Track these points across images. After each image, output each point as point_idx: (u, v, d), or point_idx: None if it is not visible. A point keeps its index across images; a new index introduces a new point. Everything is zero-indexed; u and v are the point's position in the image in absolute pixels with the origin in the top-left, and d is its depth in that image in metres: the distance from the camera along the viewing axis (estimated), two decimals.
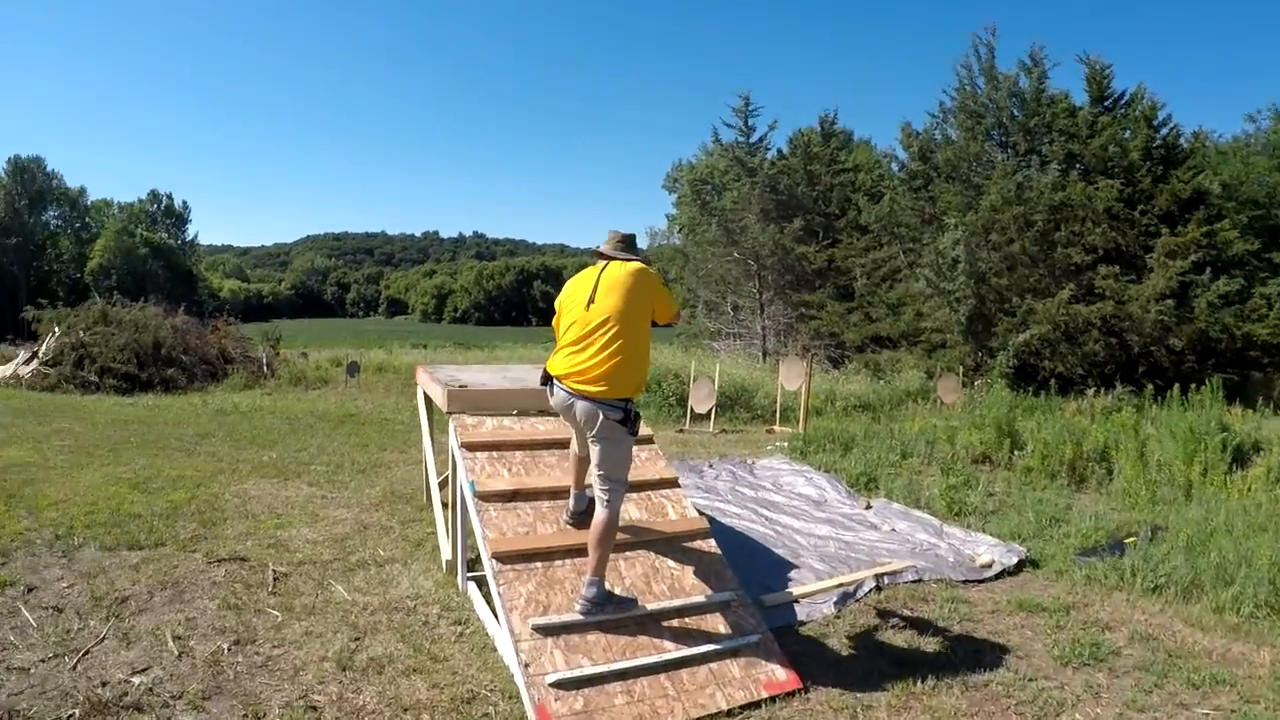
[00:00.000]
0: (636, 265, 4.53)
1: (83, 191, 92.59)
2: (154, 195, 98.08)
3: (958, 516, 7.69)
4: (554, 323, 4.70)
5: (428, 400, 6.91)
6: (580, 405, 4.37)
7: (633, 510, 5.10)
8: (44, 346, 18.06)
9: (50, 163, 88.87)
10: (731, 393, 15.18)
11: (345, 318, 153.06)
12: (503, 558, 4.51)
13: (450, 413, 5.74)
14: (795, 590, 5.59)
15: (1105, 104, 23.67)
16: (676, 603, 4.51)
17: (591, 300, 4.42)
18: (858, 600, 5.57)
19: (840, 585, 5.68)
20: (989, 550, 6.49)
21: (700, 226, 30.84)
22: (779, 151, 30.68)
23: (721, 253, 28.82)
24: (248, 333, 24.68)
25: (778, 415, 13.90)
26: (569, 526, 4.90)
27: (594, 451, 4.42)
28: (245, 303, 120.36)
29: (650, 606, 4.43)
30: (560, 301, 4.66)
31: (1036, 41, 22.84)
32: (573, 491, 5.00)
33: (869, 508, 7.97)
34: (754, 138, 29.37)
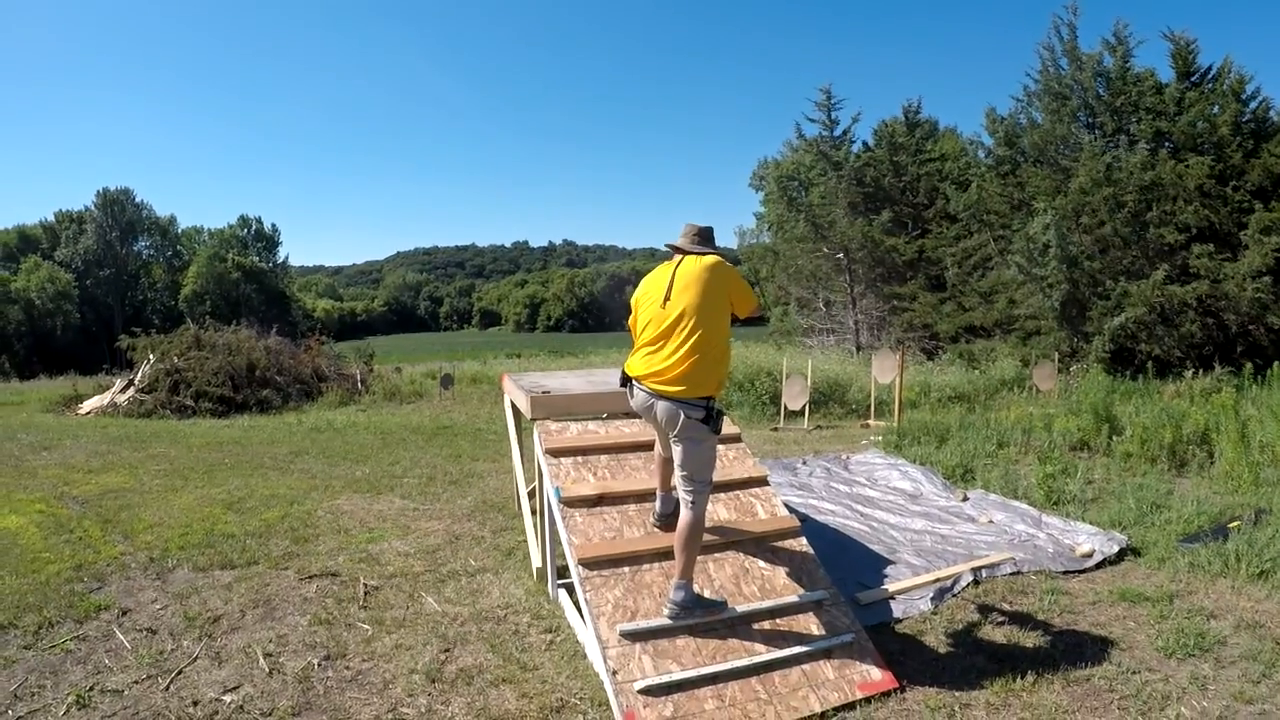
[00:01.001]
0: (712, 259, 4.45)
1: (173, 220, 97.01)
2: (243, 220, 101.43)
3: (1056, 506, 7.52)
4: (629, 322, 4.67)
5: (515, 408, 6.96)
6: (660, 406, 4.32)
7: (721, 510, 5.06)
8: (139, 374, 18.79)
9: (139, 193, 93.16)
10: (825, 389, 15.10)
11: (439, 331, 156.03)
12: (589, 563, 4.51)
13: (534, 419, 5.77)
14: (891, 587, 5.49)
15: (1191, 80, 22.74)
16: (767, 604, 4.45)
17: (667, 297, 4.36)
18: (955, 595, 5.45)
19: (937, 580, 5.57)
20: (1089, 539, 6.33)
21: (788, 223, 30.75)
22: (864, 144, 30.40)
23: (811, 248, 28.64)
24: (341, 351, 25.39)
25: (872, 409, 13.76)
26: (656, 530, 4.87)
27: (677, 452, 4.38)
28: (339, 321, 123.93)
29: (740, 608, 4.38)
30: (636, 299, 4.63)
31: (1119, 19, 22.24)
32: (659, 494, 4.96)
33: (965, 500, 7.82)
34: (838, 131, 29.25)
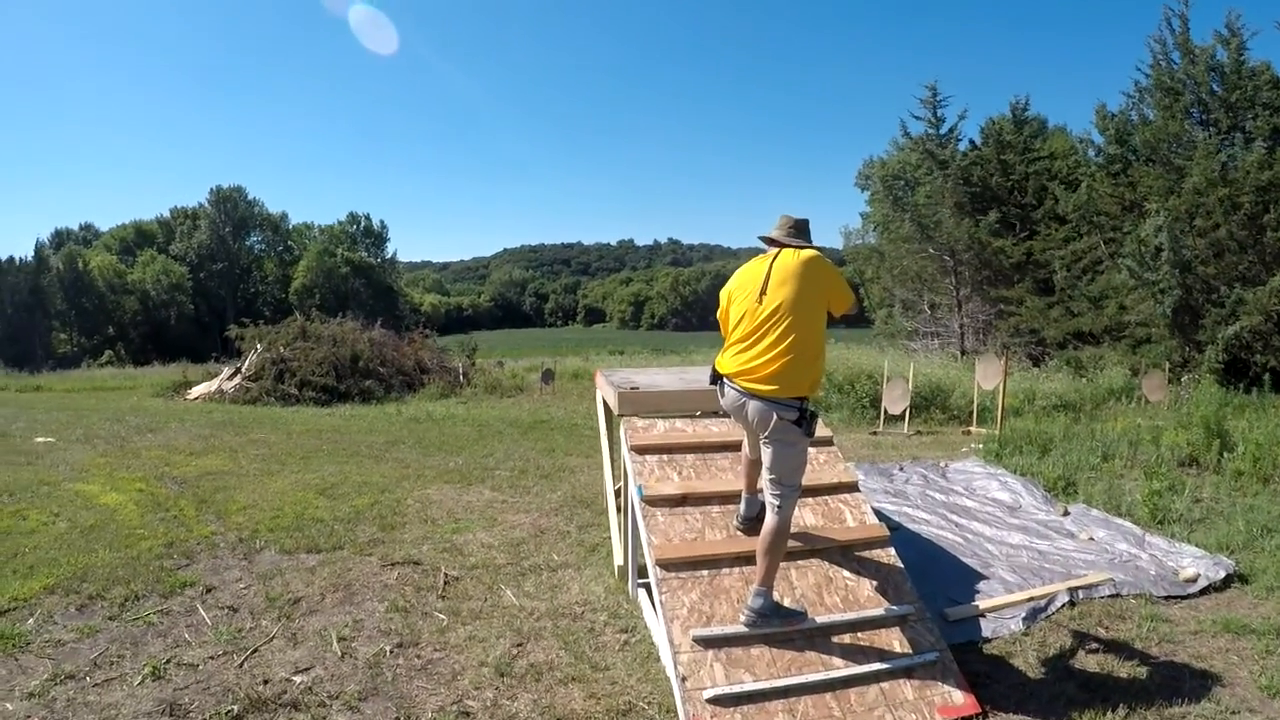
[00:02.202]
0: (810, 253, 4.30)
1: (284, 216, 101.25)
2: (353, 217, 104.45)
3: (1161, 525, 7.14)
4: (719, 314, 4.56)
5: (606, 404, 6.95)
6: (752, 405, 4.20)
7: (808, 516, 4.92)
8: (246, 363, 19.44)
9: (250, 191, 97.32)
10: (927, 393, 14.76)
11: (544, 327, 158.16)
12: (667, 565, 4.43)
13: (621, 415, 5.73)
14: (982, 604, 5.28)
15: None
16: (849, 616, 4.29)
17: (763, 292, 4.23)
18: (1049, 616, 5.20)
19: (1031, 599, 5.34)
20: (1194, 563, 6.00)
21: (894, 223, 30.28)
22: (971, 142, 29.67)
23: (916, 249, 28.16)
24: (446, 344, 25.85)
25: (974, 416, 13.38)
26: (739, 533, 4.76)
27: (766, 454, 4.24)
28: (445, 316, 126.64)
29: (820, 620, 4.23)
30: (729, 292, 4.49)
31: (1231, 10, 21.14)
32: (744, 496, 4.84)
33: (1066, 514, 7.52)
34: (944, 129, 28.62)
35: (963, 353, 25.73)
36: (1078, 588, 5.52)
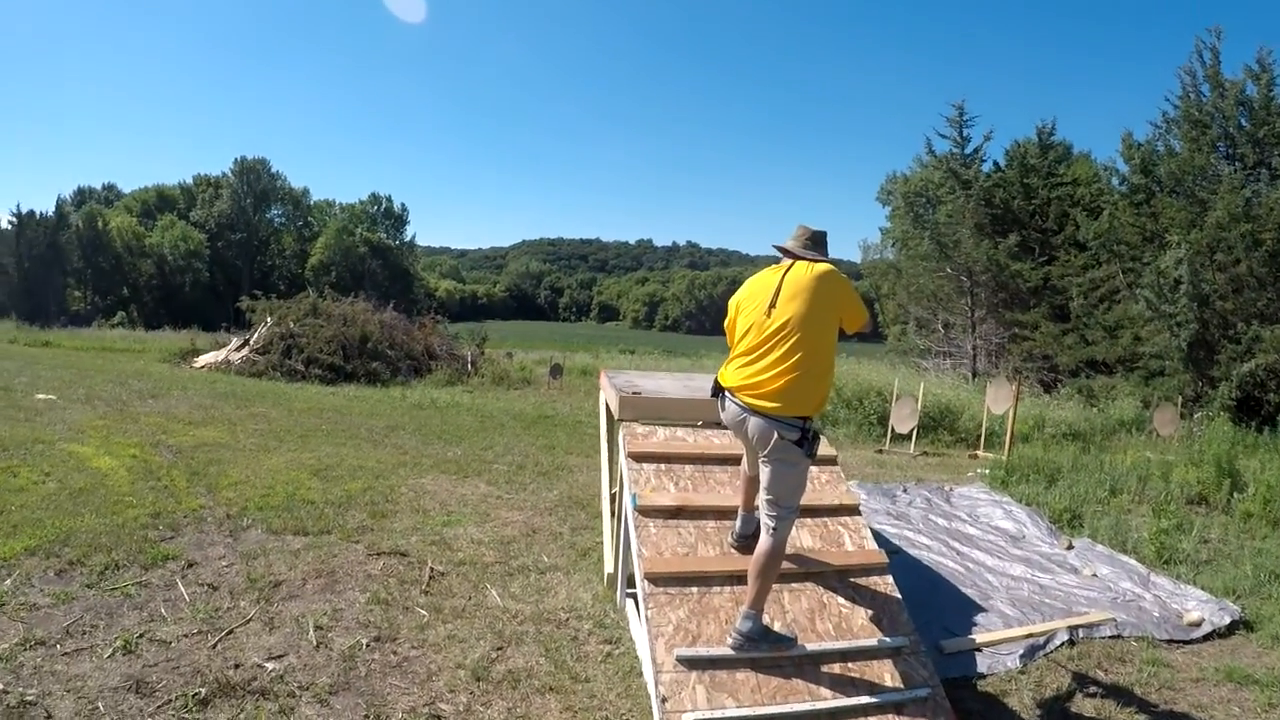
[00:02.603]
0: (824, 267, 4.18)
1: (305, 192, 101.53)
2: (374, 197, 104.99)
3: (1167, 565, 7.03)
4: (726, 324, 4.45)
5: (608, 406, 6.85)
6: (753, 422, 4.07)
7: (805, 537, 4.79)
8: (255, 335, 19.38)
9: (274, 164, 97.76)
10: (936, 413, 14.65)
11: (557, 321, 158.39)
12: (656, 579, 4.30)
13: (621, 420, 5.61)
14: (979, 637, 5.19)
15: None
16: (841, 645, 4.16)
17: (772, 304, 4.10)
18: (1047, 654, 5.12)
19: (1030, 635, 5.25)
20: (1199, 606, 5.91)
21: (913, 240, 30.40)
22: (995, 163, 29.75)
23: (934, 268, 28.23)
24: (456, 331, 25.79)
25: (982, 440, 13.27)
26: (733, 550, 4.64)
27: (764, 473, 4.12)
28: (460, 303, 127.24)
29: (811, 647, 4.10)
30: (737, 302, 4.38)
31: (1263, 46, 21.14)
32: (740, 513, 4.72)
33: (1070, 548, 7.43)
34: (969, 149, 28.76)
35: (974, 374, 25.65)
36: (1078, 626, 5.43)
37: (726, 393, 4.23)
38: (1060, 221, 26.97)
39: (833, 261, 4.30)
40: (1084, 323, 23.94)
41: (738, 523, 4.71)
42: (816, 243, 4.36)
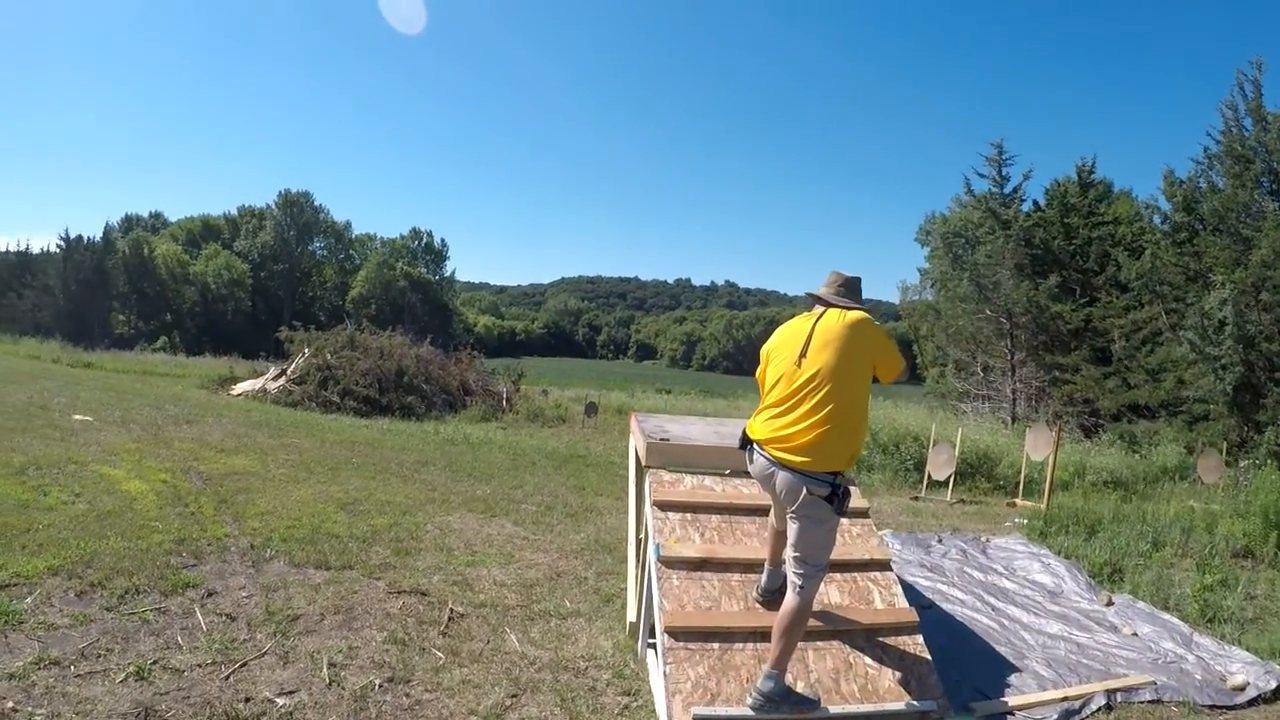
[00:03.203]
0: (857, 315, 4.13)
1: (348, 225, 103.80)
2: (415, 232, 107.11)
3: (1210, 623, 6.75)
4: (757, 374, 4.40)
5: (637, 450, 6.79)
6: (782, 476, 4.01)
7: (833, 593, 4.69)
8: (293, 365, 19.58)
9: (317, 197, 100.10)
10: (973, 460, 14.43)
11: (594, 359, 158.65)
12: (676, 633, 4.23)
13: (649, 466, 5.55)
14: (1011, 700, 5.03)
15: None
16: (866, 708, 4.06)
17: (803, 354, 4.06)
18: (1082, 719, 4.94)
19: (1065, 698, 5.08)
20: (1243, 669, 5.67)
21: (952, 281, 30.38)
22: (1034, 203, 29.61)
23: (973, 309, 28.06)
24: (495, 367, 25.87)
25: (1021, 488, 13.03)
26: (757, 605, 4.55)
27: (792, 529, 4.05)
28: (498, 339, 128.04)
29: (834, 710, 4.01)
30: (767, 350, 4.34)
31: None
32: (767, 567, 4.63)
33: (1110, 604, 7.18)
34: (1008, 188, 28.81)
35: (1014, 419, 25.36)
36: (1116, 690, 5.25)
37: (755, 445, 4.16)
38: (1101, 262, 26.76)
39: (869, 306, 4.26)
40: (1126, 365, 23.66)
41: (764, 577, 4.62)
42: (850, 289, 4.31)
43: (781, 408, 4.06)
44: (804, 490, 3.94)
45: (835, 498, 3.95)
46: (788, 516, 4.09)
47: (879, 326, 4.19)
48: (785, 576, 4.26)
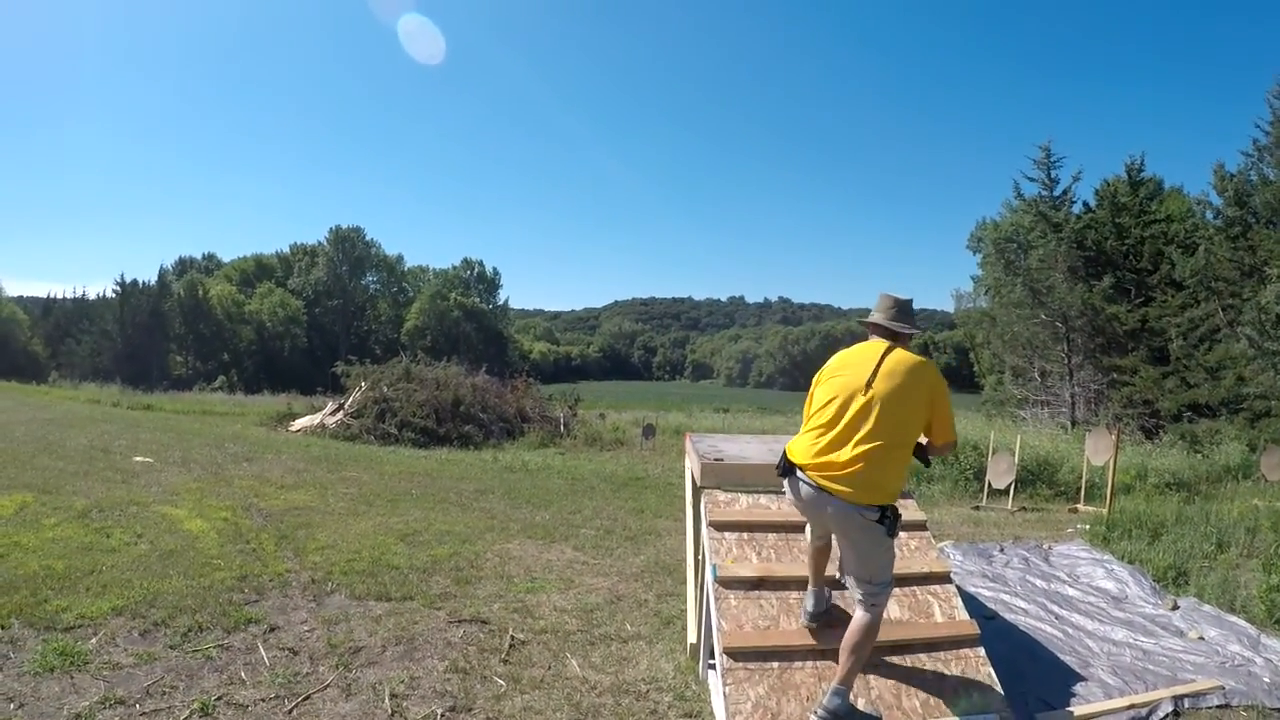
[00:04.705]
0: (922, 360, 4.14)
1: (400, 258, 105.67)
2: (467, 262, 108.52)
3: (1278, 625, 6.58)
4: (811, 393, 4.35)
5: (692, 471, 6.80)
6: (834, 506, 3.98)
7: (893, 608, 4.65)
8: (350, 399, 19.83)
9: (368, 232, 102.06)
10: (1033, 467, 14.26)
11: (651, 380, 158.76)
12: (736, 654, 4.23)
13: (704, 486, 5.55)
14: (1077, 709, 4.95)
15: None
16: None
17: (870, 384, 4.04)
18: None
19: (1131, 706, 4.99)
20: None
21: (1005, 287, 30.12)
22: (1085, 204, 29.26)
23: (1028, 314, 27.83)
24: (553, 393, 26.02)
25: (1082, 493, 12.83)
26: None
27: (849, 555, 4.07)
28: (554, 364, 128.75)
29: None
30: (824, 372, 4.30)
31: None
32: (810, 589, 4.57)
33: (1175, 608, 7.03)
34: (1058, 190, 28.72)
35: (1073, 423, 24.96)
36: (1183, 695, 5.14)
37: (798, 471, 4.13)
38: (1155, 260, 26.41)
39: (923, 329, 4.24)
40: (1184, 364, 23.31)
41: (809, 600, 4.54)
42: (904, 312, 4.31)
43: (831, 430, 4.05)
44: (857, 517, 3.94)
45: (886, 519, 3.96)
46: (842, 544, 4.11)
47: (945, 382, 4.20)
48: (829, 598, 4.25)
